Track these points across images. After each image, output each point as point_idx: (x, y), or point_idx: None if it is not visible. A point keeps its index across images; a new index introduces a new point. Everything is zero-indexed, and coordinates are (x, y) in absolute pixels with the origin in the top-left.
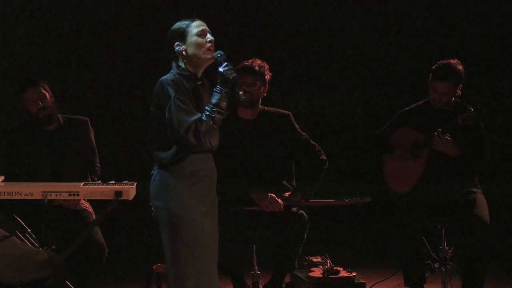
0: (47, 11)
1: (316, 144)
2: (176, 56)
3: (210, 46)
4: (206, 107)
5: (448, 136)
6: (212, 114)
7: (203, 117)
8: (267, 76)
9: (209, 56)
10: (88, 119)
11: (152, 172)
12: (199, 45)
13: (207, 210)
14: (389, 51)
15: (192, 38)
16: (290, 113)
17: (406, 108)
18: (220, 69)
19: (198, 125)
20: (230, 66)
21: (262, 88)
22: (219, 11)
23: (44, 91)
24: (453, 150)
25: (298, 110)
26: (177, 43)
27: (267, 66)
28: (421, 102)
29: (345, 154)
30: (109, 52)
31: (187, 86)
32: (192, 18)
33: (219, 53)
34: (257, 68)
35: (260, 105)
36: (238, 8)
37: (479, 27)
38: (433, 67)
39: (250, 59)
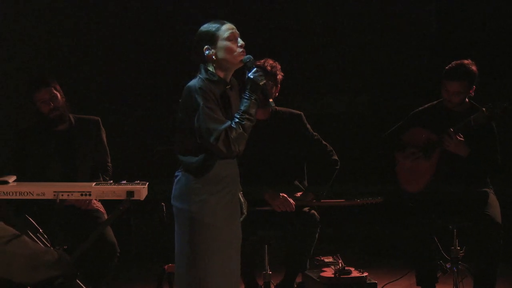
0: (57, 10)
1: (328, 144)
2: (204, 59)
3: (241, 51)
4: (236, 115)
5: (459, 136)
6: (242, 121)
7: (232, 125)
8: (279, 76)
9: (238, 60)
10: (99, 119)
11: (177, 174)
12: (230, 50)
13: (230, 215)
14: (401, 52)
15: (222, 42)
16: (302, 113)
17: (420, 108)
18: (250, 75)
19: (228, 133)
20: (260, 72)
21: (274, 88)
22: (228, 11)
23: (55, 92)
24: (463, 151)
25: (310, 110)
26: (206, 46)
27: (279, 66)
28: (434, 102)
29: (357, 154)
30: (121, 52)
31: (215, 92)
32: (221, 20)
33: (248, 57)
34: (269, 68)
35: None
36: (248, 8)
37: (490, 28)
38: (446, 67)
39: (261, 59)
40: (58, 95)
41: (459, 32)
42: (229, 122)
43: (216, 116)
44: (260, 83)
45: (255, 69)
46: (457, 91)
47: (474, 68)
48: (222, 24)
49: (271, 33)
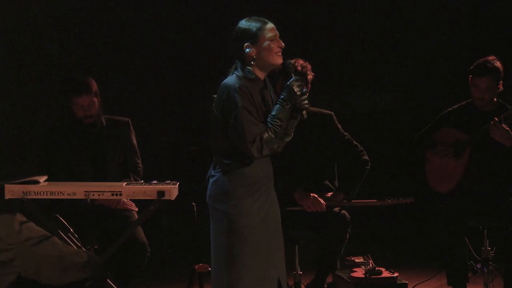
0: (94, 11)
1: (359, 145)
2: (242, 56)
3: (279, 52)
4: (268, 119)
5: (506, 126)
6: (275, 128)
7: (265, 129)
8: (310, 76)
9: (279, 62)
10: (130, 120)
11: (214, 174)
12: (271, 50)
13: (267, 214)
14: (432, 51)
15: (265, 42)
16: (332, 113)
17: (449, 109)
18: (289, 83)
19: (262, 138)
20: (299, 82)
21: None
22: (254, 9)
23: (94, 99)
24: (509, 140)
25: (338, 110)
26: (247, 44)
27: (309, 66)
28: (464, 103)
29: (387, 154)
30: (151, 52)
31: (252, 91)
32: (262, 19)
33: (289, 63)
34: (299, 68)
35: None
36: (280, 6)
37: None
38: (471, 67)
39: (292, 59)
40: (96, 102)
41: (489, 30)
42: (264, 127)
43: (253, 119)
44: (298, 93)
45: (294, 78)
46: (486, 86)
47: (498, 63)
48: (265, 23)
49: (298, 31)
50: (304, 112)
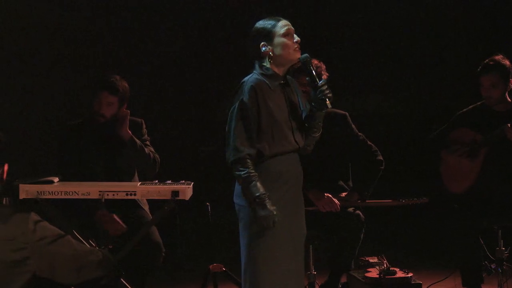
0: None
1: (373, 145)
2: (260, 55)
3: (296, 47)
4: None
5: None
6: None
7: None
8: (324, 77)
9: (296, 57)
10: (143, 120)
11: None
12: (286, 46)
13: (292, 212)
14: (444, 50)
15: (279, 39)
16: (347, 113)
17: (464, 110)
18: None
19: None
20: (326, 85)
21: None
22: (270, 8)
23: (116, 103)
24: None
25: (354, 111)
26: (263, 43)
27: (324, 67)
28: (478, 104)
29: (402, 155)
30: (165, 52)
31: (267, 91)
32: (277, 17)
33: (305, 56)
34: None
35: None
36: (292, 5)
37: None
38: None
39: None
40: (116, 107)
41: (499, 30)
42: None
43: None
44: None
45: (320, 86)
46: (490, 84)
47: (506, 61)
48: (278, 20)
49: (306, 32)
50: (328, 102)
